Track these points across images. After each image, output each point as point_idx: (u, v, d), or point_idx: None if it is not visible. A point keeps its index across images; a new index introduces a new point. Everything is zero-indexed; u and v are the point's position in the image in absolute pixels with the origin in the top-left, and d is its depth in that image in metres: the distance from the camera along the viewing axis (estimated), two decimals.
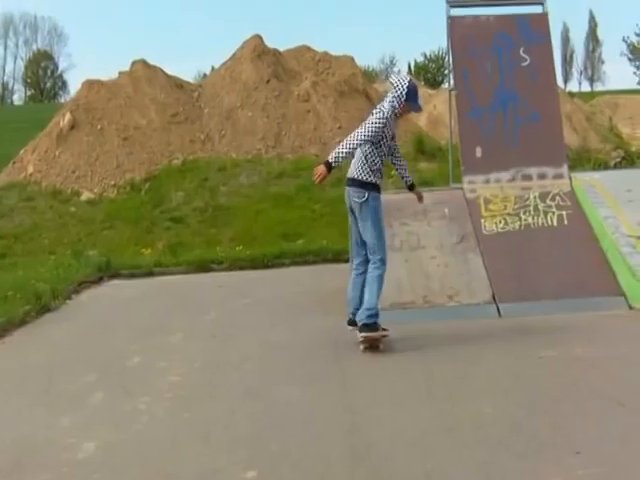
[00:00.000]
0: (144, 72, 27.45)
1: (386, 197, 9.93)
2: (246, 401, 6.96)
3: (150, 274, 14.69)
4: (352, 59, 29.97)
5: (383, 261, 8.42)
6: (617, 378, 7.07)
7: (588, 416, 6.11)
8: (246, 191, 22.24)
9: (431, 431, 5.97)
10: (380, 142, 8.38)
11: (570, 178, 11.29)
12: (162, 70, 28.02)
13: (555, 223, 10.69)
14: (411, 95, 8.44)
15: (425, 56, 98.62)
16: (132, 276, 14.54)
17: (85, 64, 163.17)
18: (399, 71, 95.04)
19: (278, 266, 14.79)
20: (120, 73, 28.05)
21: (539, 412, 6.27)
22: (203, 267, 14.92)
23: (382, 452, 5.63)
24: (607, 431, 5.79)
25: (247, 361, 8.28)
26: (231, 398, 7.08)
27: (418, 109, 8.70)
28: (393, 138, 8.61)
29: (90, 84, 27.12)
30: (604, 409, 6.28)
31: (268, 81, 27.22)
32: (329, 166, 8.00)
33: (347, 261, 11.72)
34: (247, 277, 13.99)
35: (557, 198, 10.96)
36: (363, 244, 8.57)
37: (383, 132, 8.31)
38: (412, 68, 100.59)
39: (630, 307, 9.62)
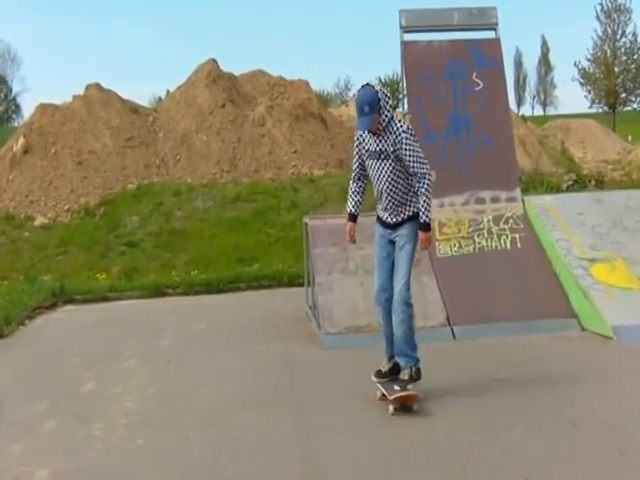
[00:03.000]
0: (98, 96, 27.35)
1: (339, 221, 9.99)
2: (200, 428, 6.93)
3: (105, 299, 14.57)
4: (307, 83, 30.08)
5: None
6: (570, 400, 7.13)
7: (541, 439, 6.15)
8: (201, 215, 22.18)
9: (385, 456, 5.97)
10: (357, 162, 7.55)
11: (523, 201, 11.39)
12: (116, 94, 27.94)
13: (508, 246, 10.79)
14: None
15: (380, 80, 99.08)
16: (86, 301, 14.41)
17: (39, 88, 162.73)
18: (354, 95, 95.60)
19: (233, 290, 14.74)
20: (74, 97, 27.91)
21: (492, 435, 6.30)
22: (158, 292, 14.83)
23: (337, 478, 5.63)
24: (560, 453, 5.84)
25: (201, 387, 8.24)
26: (185, 425, 7.04)
27: (357, 126, 7.34)
28: (372, 156, 7.28)
29: (44, 108, 26.97)
30: (557, 431, 6.32)
31: (223, 105, 27.22)
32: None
33: (302, 285, 11.75)
34: (202, 302, 13.93)
35: (510, 221, 11.06)
36: None
37: (357, 149, 7.46)
38: None
39: (582, 329, 9.72)
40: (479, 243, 10.82)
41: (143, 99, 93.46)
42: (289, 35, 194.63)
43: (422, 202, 7.13)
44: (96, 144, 25.88)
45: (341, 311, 9.90)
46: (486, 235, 10.90)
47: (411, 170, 7.10)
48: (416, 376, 7.26)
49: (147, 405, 7.74)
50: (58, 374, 9.13)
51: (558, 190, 18.35)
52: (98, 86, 27.76)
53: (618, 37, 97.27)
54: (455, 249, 10.77)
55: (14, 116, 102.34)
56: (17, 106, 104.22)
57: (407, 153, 7.04)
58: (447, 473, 5.53)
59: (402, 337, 7.25)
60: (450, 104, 11.66)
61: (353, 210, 7.63)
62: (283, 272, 15.20)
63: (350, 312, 9.82)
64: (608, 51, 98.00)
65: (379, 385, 7.42)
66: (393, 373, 7.43)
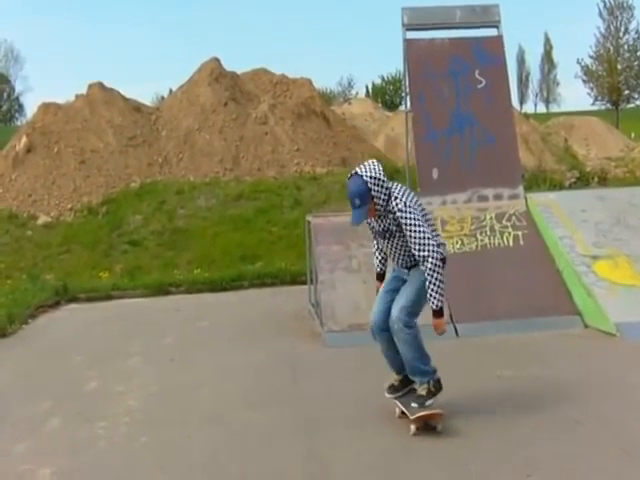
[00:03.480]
0: (101, 95, 27.37)
1: (341, 219, 10.03)
2: (203, 426, 6.93)
3: (108, 298, 14.58)
4: (310, 81, 30.10)
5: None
6: (573, 397, 7.12)
7: (544, 435, 6.15)
8: (204, 214, 22.18)
9: (388, 453, 5.97)
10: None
11: (526, 199, 11.39)
12: (119, 93, 27.97)
13: (511, 243, 10.78)
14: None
15: (383, 78, 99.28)
16: (89, 300, 14.43)
17: (42, 87, 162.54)
18: (357, 93, 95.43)
19: (236, 289, 14.75)
20: (77, 96, 27.95)
21: (495, 432, 6.30)
22: (161, 290, 14.84)
23: (339, 476, 5.63)
24: (563, 450, 5.83)
25: (204, 385, 8.24)
26: (188, 422, 7.04)
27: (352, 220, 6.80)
28: (380, 236, 6.96)
29: (47, 107, 27.00)
30: (560, 428, 6.32)
31: (226, 104, 27.23)
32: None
33: (305, 283, 11.75)
34: (205, 300, 13.93)
35: (513, 218, 11.05)
36: None
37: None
38: (370, 90, 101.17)
39: (585, 326, 9.71)
40: (482, 241, 10.81)
41: (146, 98, 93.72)
42: (292, 33, 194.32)
43: (429, 287, 6.50)
44: (99, 143, 25.90)
45: (344, 309, 9.89)
46: (489, 232, 10.89)
47: (414, 252, 6.61)
48: (435, 389, 6.74)
49: (150, 403, 7.74)
50: (61, 373, 9.13)
51: (561, 187, 18.40)
52: (101, 85, 27.78)
53: (621, 34, 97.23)
54: (458, 247, 10.76)
55: (17, 115, 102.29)
56: (20, 105, 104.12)
57: (407, 235, 6.60)
58: (450, 470, 5.53)
59: (411, 357, 6.78)
60: (453, 102, 11.66)
61: (379, 270, 7.37)
62: (286, 270, 15.21)
63: (353, 310, 9.81)
64: (611, 48, 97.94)
65: (397, 402, 6.94)
66: (406, 385, 6.97)
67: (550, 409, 6.81)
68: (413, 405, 6.62)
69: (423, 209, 6.90)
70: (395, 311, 6.74)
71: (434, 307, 6.55)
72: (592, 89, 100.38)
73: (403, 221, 6.59)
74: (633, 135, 57.22)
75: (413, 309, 6.73)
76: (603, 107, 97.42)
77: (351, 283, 10.24)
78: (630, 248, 10.52)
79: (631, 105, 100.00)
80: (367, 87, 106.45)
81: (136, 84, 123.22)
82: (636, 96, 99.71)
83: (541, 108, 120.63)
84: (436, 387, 6.77)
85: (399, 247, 6.79)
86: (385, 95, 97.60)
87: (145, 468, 6.02)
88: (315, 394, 7.71)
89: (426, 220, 6.82)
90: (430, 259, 6.49)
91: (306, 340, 9.82)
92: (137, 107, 28.09)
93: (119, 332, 11.34)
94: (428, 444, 6.08)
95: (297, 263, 14.76)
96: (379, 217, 6.76)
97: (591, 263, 10.32)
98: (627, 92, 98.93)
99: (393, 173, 22.35)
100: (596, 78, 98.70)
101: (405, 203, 6.65)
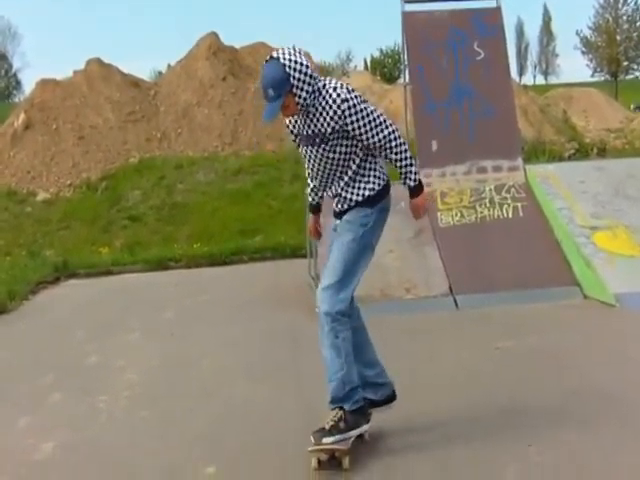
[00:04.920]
0: (99, 71, 27.28)
1: None
2: (204, 398, 6.95)
3: (107, 273, 14.61)
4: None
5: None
6: (572, 368, 7.14)
7: (543, 407, 6.17)
8: (203, 188, 22.17)
9: (388, 427, 5.99)
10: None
11: (525, 170, 11.38)
12: (117, 68, 27.88)
13: (510, 215, 10.78)
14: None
15: (381, 51, 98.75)
16: (89, 276, 14.45)
17: (39, 63, 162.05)
18: (355, 67, 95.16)
19: (236, 263, 14.77)
20: (75, 72, 27.85)
21: (495, 404, 6.32)
22: (161, 265, 14.86)
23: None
24: (562, 421, 5.85)
25: (205, 359, 8.26)
26: (189, 395, 7.07)
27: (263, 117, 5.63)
28: (305, 142, 5.62)
29: (44, 83, 26.92)
30: (559, 399, 6.33)
31: (224, 78, 27.16)
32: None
33: (304, 256, 11.76)
34: (205, 274, 13.95)
35: (512, 190, 11.05)
36: None
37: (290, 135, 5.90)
38: (368, 63, 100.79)
39: (585, 296, 9.72)
40: (481, 212, 10.81)
41: (144, 73, 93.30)
42: (290, 7, 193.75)
43: (399, 165, 5.43)
44: (97, 119, 25.85)
45: None
46: (488, 204, 10.89)
47: (370, 142, 5.36)
48: (345, 424, 5.37)
49: (150, 377, 7.76)
50: (62, 348, 9.16)
51: (560, 159, 18.37)
52: (99, 61, 27.69)
53: (620, 5, 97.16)
54: (457, 219, 10.76)
55: (15, 92, 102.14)
56: (18, 82, 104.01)
57: (356, 126, 5.29)
58: (450, 444, 5.54)
59: (330, 363, 5.60)
60: (451, 74, 11.63)
61: (312, 199, 6.13)
62: (285, 244, 15.22)
63: None
64: (610, 19, 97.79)
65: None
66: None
67: (549, 380, 6.82)
68: (311, 439, 5.34)
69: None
70: (321, 295, 5.45)
71: (413, 183, 5.49)
72: (591, 60, 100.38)
73: (348, 112, 5.25)
74: (632, 106, 57.10)
75: (343, 285, 5.41)
76: (602, 78, 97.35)
77: None
78: (629, 219, 10.52)
79: (630, 76, 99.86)
80: (366, 60, 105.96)
81: (134, 60, 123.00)
82: (635, 67, 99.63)
83: (540, 80, 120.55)
84: (348, 422, 5.39)
85: (329, 160, 5.45)
86: (384, 68, 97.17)
87: (146, 441, 6.04)
88: (316, 367, 7.70)
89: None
90: (392, 135, 5.36)
91: (306, 313, 9.80)
92: (135, 82, 28.00)
93: (119, 307, 11.37)
94: (426, 417, 6.09)
95: (297, 237, 14.75)
96: (306, 116, 5.42)
97: (590, 234, 10.32)
98: (626, 63, 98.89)
99: None
100: (595, 49, 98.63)
101: (349, 90, 5.35)
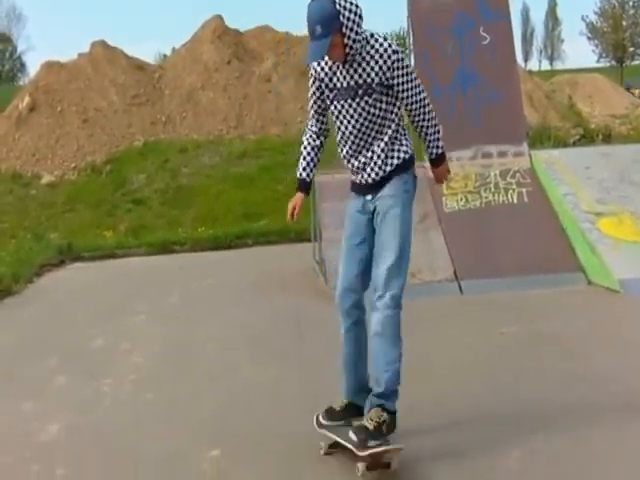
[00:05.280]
0: (104, 53, 27.21)
1: (346, 176, 10.02)
2: (209, 382, 6.98)
3: (112, 256, 14.62)
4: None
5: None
6: (576, 353, 7.16)
7: (548, 391, 6.19)
8: (208, 172, 22.16)
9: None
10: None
11: (530, 156, 11.36)
12: (122, 51, 27.80)
13: (515, 200, 10.77)
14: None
15: (386, 36, 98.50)
16: (94, 259, 14.46)
17: (44, 46, 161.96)
18: None
19: (240, 246, 14.78)
20: (80, 55, 27.78)
21: (500, 389, 6.33)
22: (165, 249, 14.87)
23: None
24: (564, 404, 5.87)
25: (209, 342, 8.29)
26: (194, 379, 7.09)
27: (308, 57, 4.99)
28: (343, 96, 5.12)
29: (49, 66, 26.86)
30: (562, 383, 6.36)
31: (229, 62, 27.09)
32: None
33: (309, 240, 11.76)
34: (209, 258, 13.96)
35: (517, 175, 11.03)
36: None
37: (315, 91, 5.33)
38: None
39: (589, 282, 9.74)
40: (486, 197, 10.80)
41: (149, 57, 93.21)
42: None
43: (429, 132, 5.26)
44: (102, 102, 25.80)
45: None
46: (493, 189, 10.88)
47: (409, 101, 5.09)
48: (386, 429, 4.94)
49: (155, 360, 7.79)
50: (66, 331, 9.18)
51: (565, 144, 18.35)
52: (104, 43, 27.61)
53: None
54: (462, 203, 10.76)
55: (19, 75, 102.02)
56: (22, 64, 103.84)
57: (401, 81, 5.01)
58: (455, 427, 5.56)
59: (385, 351, 5.02)
60: (457, 59, 11.59)
61: (305, 175, 5.65)
62: (290, 228, 15.19)
63: None
64: (616, 4, 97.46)
65: (327, 432, 5.29)
66: (349, 414, 5.32)
67: (553, 364, 6.84)
68: (353, 437, 4.88)
69: None
70: (381, 278, 5.01)
71: (440, 151, 5.39)
72: (597, 46, 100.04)
73: (399, 64, 4.98)
74: (638, 92, 56.94)
75: (402, 270, 5.08)
76: (607, 64, 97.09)
77: None
78: (634, 205, 10.51)
79: (635, 62, 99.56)
80: None
81: (139, 43, 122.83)
82: None
83: (545, 65, 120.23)
84: (390, 424, 5.00)
85: (369, 116, 5.06)
86: None
87: (151, 424, 6.06)
88: (321, 351, 7.73)
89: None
90: (428, 100, 5.19)
91: (311, 297, 9.85)
92: (140, 66, 27.93)
93: (124, 290, 11.39)
94: (431, 403, 6.10)
95: (301, 221, 14.48)
96: (350, 65, 4.99)
97: (595, 220, 10.32)
98: (632, 49, 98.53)
99: None
100: (601, 35, 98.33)
101: (397, 45, 5.15)
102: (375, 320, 5.03)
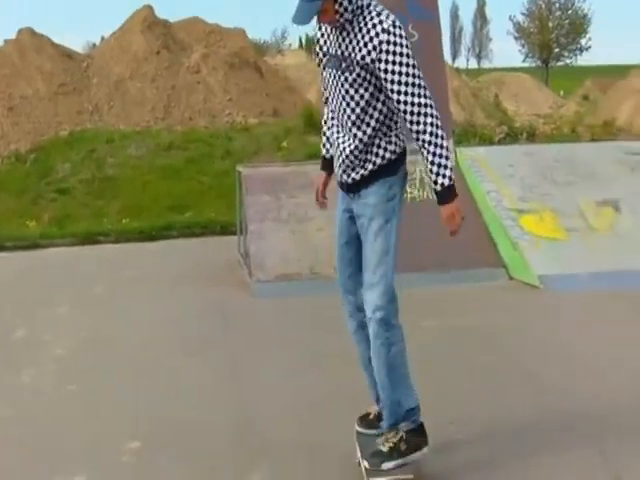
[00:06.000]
0: (31, 41, 26.84)
1: (272, 170, 10.06)
2: (132, 373, 6.97)
3: (35, 246, 14.42)
4: (243, 32, 29.92)
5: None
6: (493, 345, 7.32)
7: (465, 383, 6.32)
8: (134, 163, 21.99)
9: (316, 401, 6.08)
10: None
11: (455, 153, 11.49)
12: (49, 39, 27.44)
13: None
14: None
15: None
16: (17, 249, 14.25)
17: None
18: (290, 44, 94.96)
19: (166, 238, 14.68)
20: (6, 41, 27.39)
21: (417, 381, 6.41)
22: (90, 239, 14.69)
23: (268, 423, 5.73)
24: (481, 397, 6.02)
25: (133, 333, 8.26)
26: (116, 370, 7.08)
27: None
28: (330, 64, 4.62)
29: None
30: (480, 376, 6.50)
31: (158, 52, 26.93)
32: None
33: (234, 233, 11.78)
34: (134, 250, 13.85)
35: None
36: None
37: (316, 55, 4.83)
38: (303, 42, 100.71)
39: (510, 278, 9.90)
40: (411, 193, 10.89)
41: (77, 46, 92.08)
42: None
43: (429, 155, 4.46)
44: (28, 89, 25.45)
45: (272, 259, 9.94)
46: (418, 185, 10.97)
47: (396, 98, 4.38)
48: (406, 447, 4.59)
49: (78, 352, 7.75)
50: None
51: (491, 142, 18.60)
52: (31, 31, 27.21)
53: None
54: None
55: None
56: None
57: (388, 68, 4.31)
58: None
59: (381, 378, 4.70)
60: None
61: (324, 152, 5.09)
62: (216, 220, 15.17)
63: (281, 260, 9.87)
64: (542, 5, 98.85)
65: (357, 444, 4.92)
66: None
67: (470, 356, 7.00)
68: (365, 464, 4.61)
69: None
70: (368, 298, 4.73)
71: (445, 183, 4.49)
72: (523, 46, 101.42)
73: (386, 48, 4.32)
74: (562, 92, 57.92)
75: (386, 288, 4.77)
76: (534, 64, 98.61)
77: (280, 233, 10.29)
78: (555, 203, 10.72)
79: (561, 63, 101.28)
80: (301, 38, 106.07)
81: (67, 32, 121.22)
82: (566, 54, 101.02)
83: (473, 64, 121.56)
84: (409, 444, 4.60)
85: (347, 96, 4.49)
86: None
87: (74, 415, 6.05)
88: (245, 343, 7.79)
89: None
90: (429, 109, 4.46)
91: (236, 290, 9.86)
92: (68, 54, 27.61)
93: (47, 281, 11.26)
94: (351, 393, 6.16)
95: (227, 214, 14.73)
96: (340, 33, 4.50)
97: (517, 217, 10.51)
98: (557, 50, 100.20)
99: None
100: (527, 35, 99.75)
101: (395, 24, 4.38)
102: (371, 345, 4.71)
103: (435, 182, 4.48)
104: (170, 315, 8.95)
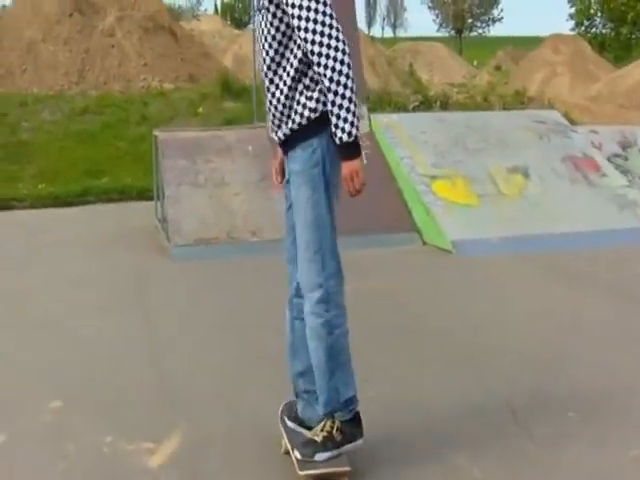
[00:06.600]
0: None
1: (188, 134, 10.09)
2: (40, 332, 7.00)
3: None
4: None
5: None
6: (407, 308, 7.52)
7: (377, 343, 6.49)
8: (49, 127, 21.69)
9: (233, 360, 6.20)
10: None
11: (370, 119, 11.65)
12: None
13: None
14: None
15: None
16: None
17: None
18: (205, 10, 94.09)
19: (82, 204, 14.58)
20: None
21: None
22: (4, 206, 14.54)
23: (181, 381, 5.83)
24: (394, 357, 6.22)
25: (43, 293, 8.29)
26: (28, 329, 7.11)
27: None
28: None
29: None
30: (393, 337, 6.70)
31: (71, 15, 26.51)
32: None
33: (151, 199, 11.79)
34: (50, 215, 13.73)
35: None
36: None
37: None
38: (219, 7, 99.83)
39: (424, 243, 10.13)
40: None
41: None
42: None
43: (329, 104, 3.92)
44: None
45: (190, 224, 10.00)
46: None
47: (301, 36, 3.91)
48: (340, 437, 4.22)
49: None
50: None
51: (405, 110, 18.78)
52: None
53: None
54: None
55: None
56: None
57: (289, 2, 3.88)
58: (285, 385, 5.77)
59: (318, 363, 4.32)
60: None
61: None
62: (132, 186, 15.13)
63: (199, 225, 9.94)
64: None
65: (284, 432, 4.58)
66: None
67: (383, 318, 7.19)
68: (297, 454, 4.25)
69: None
70: (301, 278, 4.49)
71: (347, 138, 3.95)
72: (437, 16, 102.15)
73: None
74: (475, 62, 58.54)
75: (320, 265, 4.38)
76: (447, 34, 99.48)
77: (197, 198, 10.35)
78: (467, 169, 10.97)
79: (474, 33, 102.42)
80: (216, 4, 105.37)
81: None
82: (479, 24, 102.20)
83: (388, 33, 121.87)
84: (344, 434, 4.24)
85: (266, 41, 4.09)
86: (234, 13, 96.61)
87: None
88: (160, 306, 7.85)
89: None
90: (334, 51, 3.96)
91: (153, 255, 9.89)
92: None
93: None
94: (273, 354, 6.26)
95: (144, 179, 14.68)
96: None
97: (430, 183, 10.71)
98: (470, 20, 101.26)
99: (240, 91, 22.41)
100: (441, 5, 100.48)
101: None
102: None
103: (334, 134, 3.95)
104: (86, 277, 8.95)
